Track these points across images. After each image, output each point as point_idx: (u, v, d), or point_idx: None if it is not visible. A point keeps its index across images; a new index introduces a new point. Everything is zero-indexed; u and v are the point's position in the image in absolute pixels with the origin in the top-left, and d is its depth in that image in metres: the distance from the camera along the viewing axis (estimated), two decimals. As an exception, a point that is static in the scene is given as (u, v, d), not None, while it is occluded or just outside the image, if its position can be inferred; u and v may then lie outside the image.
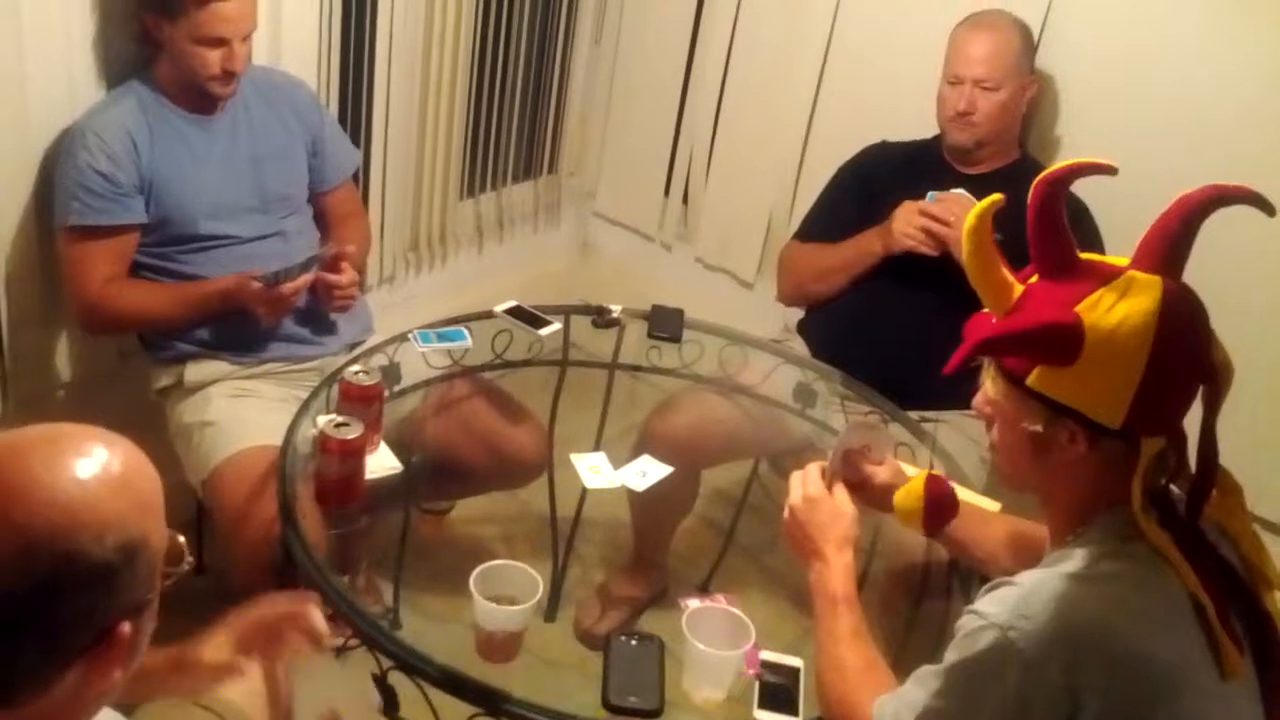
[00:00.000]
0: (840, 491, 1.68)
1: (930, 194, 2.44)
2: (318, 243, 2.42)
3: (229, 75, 2.19)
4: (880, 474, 1.77)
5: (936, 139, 2.61)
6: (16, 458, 0.95)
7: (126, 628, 0.96)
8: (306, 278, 2.19)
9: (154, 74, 2.25)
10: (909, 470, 1.82)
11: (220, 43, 2.15)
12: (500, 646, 1.74)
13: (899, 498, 1.70)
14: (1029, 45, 2.51)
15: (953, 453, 2.16)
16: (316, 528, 1.98)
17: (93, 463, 0.96)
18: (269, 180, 2.35)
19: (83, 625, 0.94)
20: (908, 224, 2.41)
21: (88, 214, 2.16)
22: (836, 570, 1.60)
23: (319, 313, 2.36)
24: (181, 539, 1.10)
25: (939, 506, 1.69)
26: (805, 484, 1.68)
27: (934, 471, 1.78)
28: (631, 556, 2.66)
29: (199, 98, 2.25)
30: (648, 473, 2.09)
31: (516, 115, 3.46)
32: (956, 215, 2.34)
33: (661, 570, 2.66)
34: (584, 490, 2.16)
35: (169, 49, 2.19)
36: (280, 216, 2.37)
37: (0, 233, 2.29)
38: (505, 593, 1.62)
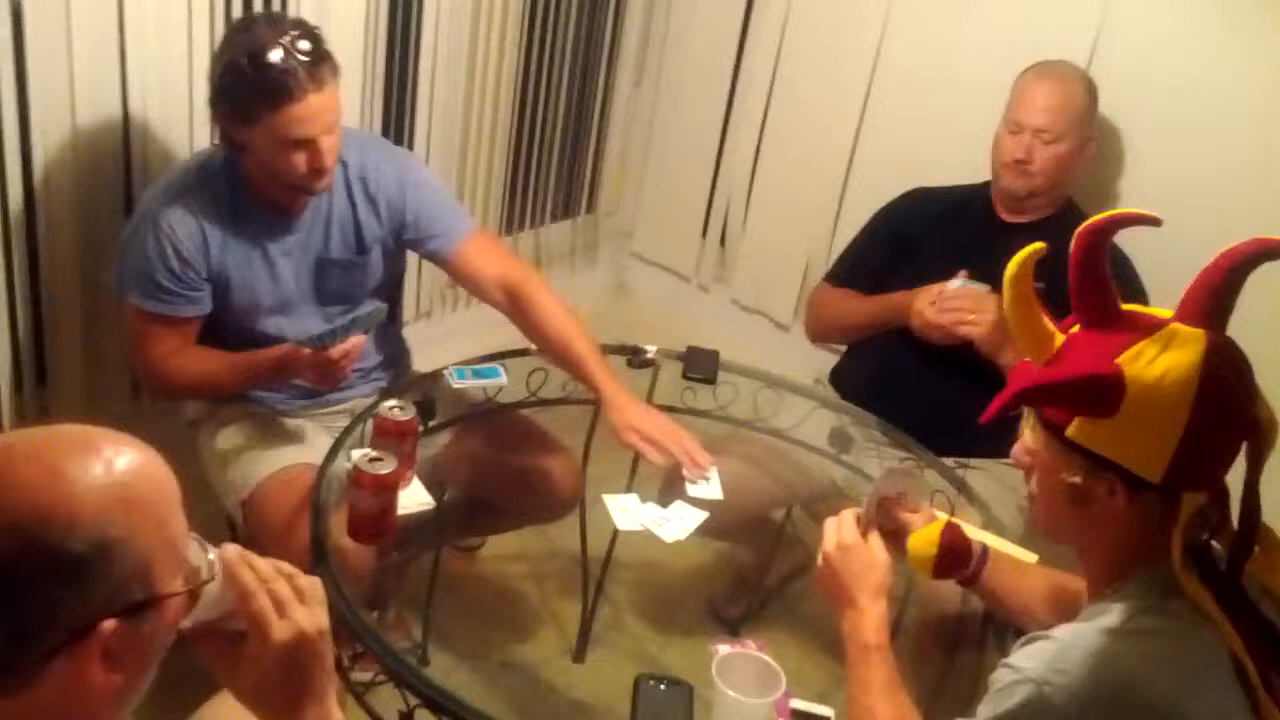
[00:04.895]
0: (875, 539, 1.66)
1: (956, 281, 2.39)
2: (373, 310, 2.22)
3: (319, 172, 2.07)
4: (915, 522, 1.75)
5: (984, 186, 2.58)
6: (8, 449, 0.98)
7: (109, 625, 0.96)
8: (356, 340, 2.06)
9: (241, 163, 2.12)
10: (943, 519, 1.81)
11: (305, 143, 2.02)
12: None
13: (913, 542, 1.69)
14: (1093, 101, 2.48)
15: (989, 501, 2.14)
16: (361, 562, 1.99)
17: (85, 460, 0.97)
18: (330, 283, 2.26)
19: (50, 618, 0.94)
20: (924, 318, 2.39)
21: (151, 302, 2.12)
22: (870, 619, 1.59)
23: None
24: (212, 556, 1.10)
25: (952, 556, 1.68)
26: (840, 531, 1.67)
27: (954, 520, 1.76)
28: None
29: (287, 196, 2.14)
30: (681, 520, 2.07)
31: (556, 155, 3.49)
32: (973, 310, 2.32)
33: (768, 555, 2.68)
34: (615, 531, 2.15)
35: (251, 151, 2.07)
36: (338, 313, 2.24)
37: (50, 278, 2.35)
38: None
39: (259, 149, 2.04)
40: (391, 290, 2.43)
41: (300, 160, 2.03)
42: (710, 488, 2.11)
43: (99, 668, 0.97)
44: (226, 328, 2.20)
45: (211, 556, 1.12)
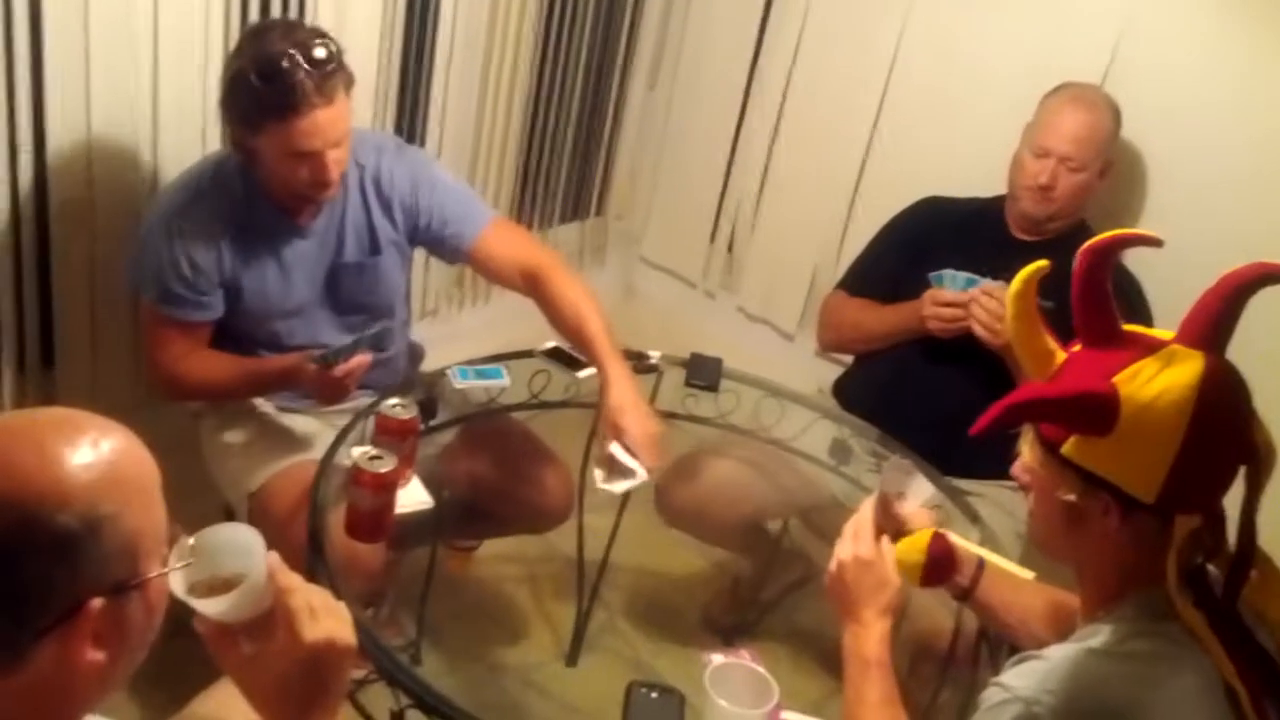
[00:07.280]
0: (890, 558, 1.64)
1: (973, 278, 2.38)
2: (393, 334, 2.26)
3: (322, 184, 2.06)
4: (914, 521, 1.75)
5: (996, 201, 2.57)
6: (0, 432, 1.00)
7: (97, 604, 0.97)
8: (360, 359, 2.05)
9: (253, 168, 2.11)
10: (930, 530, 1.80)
11: (309, 155, 2.01)
12: None
13: (902, 548, 1.68)
14: (1118, 127, 2.46)
15: (988, 521, 2.13)
16: (372, 561, 2.01)
17: (72, 440, 0.99)
18: (344, 287, 2.25)
19: (44, 595, 0.96)
20: (935, 314, 2.40)
21: (164, 306, 2.13)
22: (873, 635, 1.58)
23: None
24: (190, 540, 1.13)
25: (939, 565, 1.68)
26: (858, 544, 1.64)
27: (942, 531, 1.75)
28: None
29: (294, 203, 2.14)
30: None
31: (567, 156, 3.49)
32: (989, 310, 2.31)
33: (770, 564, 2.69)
34: (612, 535, 2.15)
35: (259, 158, 2.06)
36: (359, 321, 2.26)
37: (58, 253, 2.34)
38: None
39: (265, 157, 2.04)
40: (403, 302, 2.41)
41: (304, 171, 2.03)
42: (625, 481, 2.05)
43: (87, 647, 0.98)
44: (240, 330, 2.21)
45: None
